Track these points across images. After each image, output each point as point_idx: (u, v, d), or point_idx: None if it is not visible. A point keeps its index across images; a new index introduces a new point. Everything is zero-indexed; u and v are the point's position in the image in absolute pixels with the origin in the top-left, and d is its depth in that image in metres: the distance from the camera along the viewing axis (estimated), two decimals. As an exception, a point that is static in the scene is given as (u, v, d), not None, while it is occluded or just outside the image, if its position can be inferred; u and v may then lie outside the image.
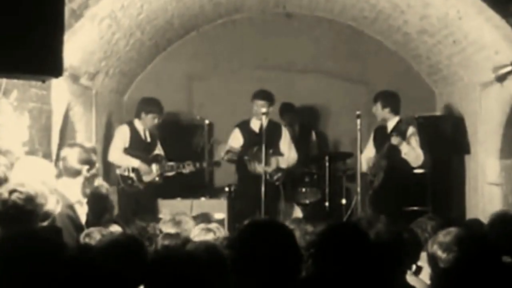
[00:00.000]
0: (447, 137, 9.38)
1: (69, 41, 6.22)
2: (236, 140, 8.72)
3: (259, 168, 8.42)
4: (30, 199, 4.35)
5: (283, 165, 8.61)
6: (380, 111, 8.29)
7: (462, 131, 9.23)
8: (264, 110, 8.46)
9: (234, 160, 8.79)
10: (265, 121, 8.22)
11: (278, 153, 8.53)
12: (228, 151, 8.63)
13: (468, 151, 9.17)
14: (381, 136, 8.34)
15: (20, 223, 4.24)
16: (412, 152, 8.02)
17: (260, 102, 8.54)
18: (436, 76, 10.09)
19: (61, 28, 4.42)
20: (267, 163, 8.40)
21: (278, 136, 8.62)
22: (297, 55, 10.47)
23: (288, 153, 8.69)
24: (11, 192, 4.36)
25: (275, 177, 8.49)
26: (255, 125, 8.67)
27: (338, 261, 3.50)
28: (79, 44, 7.44)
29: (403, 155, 8.02)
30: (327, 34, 10.52)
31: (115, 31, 8.17)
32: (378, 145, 8.30)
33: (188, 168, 8.54)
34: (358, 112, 8.00)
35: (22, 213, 4.30)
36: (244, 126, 8.73)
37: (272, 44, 10.42)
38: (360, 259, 3.53)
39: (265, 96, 8.59)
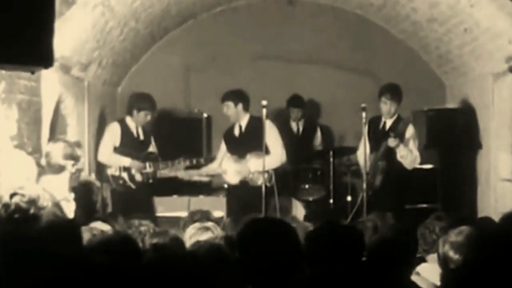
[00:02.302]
0: (458, 131, 9.37)
1: (60, 30, 6.19)
2: (219, 156, 8.56)
3: (233, 179, 8.35)
4: (32, 202, 4.35)
5: (262, 167, 7.96)
6: (392, 106, 8.16)
7: (473, 125, 9.23)
8: (231, 112, 8.31)
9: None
10: (264, 114, 8.01)
11: (257, 156, 8.07)
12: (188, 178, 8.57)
13: (479, 146, 9.16)
14: (376, 131, 8.28)
15: (24, 228, 4.22)
16: (409, 155, 8.00)
17: (228, 104, 8.28)
18: (446, 67, 10.08)
19: (51, 16, 4.41)
20: (237, 173, 8.27)
21: (261, 133, 7.97)
22: (300, 45, 10.46)
23: (275, 150, 8.20)
24: (12, 195, 4.35)
25: (259, 182, 8.10)
26: (236, 129, 8.44)
27: (325, 261, 3.52)
28: (71, 33, 7.42)
29: (398, 158, 8.00)
30: (331, 22, 10.50)
31: (109, 20, 8.15)
32: (373, 141, 8.24)
33: (183, 164, 8.51)
34: (363, 105, 7.95)
35: (27, 217, 4.29)
36: (227, 133, 8.53)
37: (274, 33, 10.40)
38: (351, 258, 3.55)
39: (228, 97, 8.32)
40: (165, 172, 8.52)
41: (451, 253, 4.07)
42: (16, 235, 3.42)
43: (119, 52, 9.31)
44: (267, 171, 8.08)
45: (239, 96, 8.33)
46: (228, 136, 8.51)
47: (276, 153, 8.23)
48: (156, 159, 8.53)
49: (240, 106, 8.29)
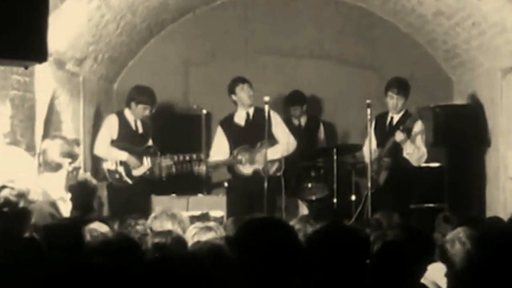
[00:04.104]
0: (465, 128, 9.37)
1: (54, 24, 6.20)
2: (219, 145, 8.53)
3: (246, 169, 8.40)
4: (22, 196, 4.35)
5: (276, 155, 8.36)
6: (399, 101, 8.18)
7: (481, 122, 9.22)
8: (251, 93, 8.35)
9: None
10: (267, 110, 8.10)
11: (269, 144, 8.20)
12: (208, 165, 8.46)
13: (488, 143, 9.16)
14: (383, 127, 8.30)
15: (14, 222, 4.23)
16: (416, 152, 8.03)
17: (246, 86, 8.40)
18: (454, 62, 10.07)
19: (45, 9, 4.41)
20: (253, 162, 8.34)
21: (268, 123, 8.25)
22: (302, 39, 10.45)
23: (283, 138, 8.48)
24: (1, 188, 4.35)
25: (271, 171, 8.28)
26: (240, 117, 8.51)
27: (329, 264, 3.53)
28: (65, 27, 7.42)
29: (405, 155, 8.02)
30: (334, 16, 10.49)
31: (105, 13, 8.15)
32: (379, 137, 8.27)
33: (182, 160, 8.49)
34: (368, 101, 7.98)
35: (16, 211, 4.30)
36: (227, 122, 8.55)
37: (275, 27, 10.39)
38: (356, 261, 3.56)
39: (245, 79, 8.45)
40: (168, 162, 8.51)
41: (455, 252, 4.08)
42: (13, 236, 3.44)
43: (115, 47, 9.31)
44: (279, 160, 8.37)
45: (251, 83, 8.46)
46: (230, 125, 8.51)
47: (286, 141, 8.50)
48: (155, 154, 8.52)
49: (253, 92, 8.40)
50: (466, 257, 4.11)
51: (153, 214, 5.52)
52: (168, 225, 5.23)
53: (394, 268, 3.90)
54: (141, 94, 8.47)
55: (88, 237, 4.53)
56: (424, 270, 4.23)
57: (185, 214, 6.88)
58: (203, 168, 8.52)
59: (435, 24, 9.48)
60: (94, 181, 6.06)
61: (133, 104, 8.44)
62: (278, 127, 8.49)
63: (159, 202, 8.54)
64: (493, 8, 7.88)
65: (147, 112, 8.46)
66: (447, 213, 6.19)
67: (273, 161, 8.30)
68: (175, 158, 8.49)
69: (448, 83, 10.43)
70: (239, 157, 8.40)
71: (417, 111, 8.27)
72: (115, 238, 4.08)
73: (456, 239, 4.15)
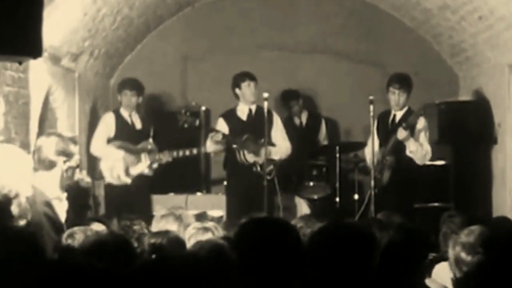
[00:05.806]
0: (471, 125, 9.37)
1: (49, 18, 6.19)
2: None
3: (249, 157, 8.35)
4: None
5: (276, 156, 8.38)
6: (401, 96, 8.18)
7: (488, 118, 9.21)
8: (255, 92, 8.32)
9: (222, 150, 8.68)
10: (266, 106, 8.09)
11: (270, 143, 8.24)
12: (217, 137, 8.26)
13: (494, 141, 9.16)
14: (385, 125, 8.30)
15: None
16: (420, 149, 8.01)
17: (253, 84, 8.39)
18: (459, 57, 10.07)
19: (40, 3, 4.40)
20: (257, 154, 8.33)
21: (269, 124, 8.31)
22: (304, 34, 10.45)
23: (281, 143, 8.51)
24: None
25: (267, 170, 8.19)
26: (242, 112, 8.50)
27: (332, 265, 3.52)
28: (61, 21, 7.41)
29: (408, 153, 8.01)
30: (337, 10, 10.49)
31: (101, 7, 8.15)
32: (382, 135, 8.27)
33: (181, 156, 8.47)
34: (371, 98, 7.97)
35: None
36: (229, 115, 8.53)
37: (276, 21, 10.39)
38: (360, 261, 3.55)
39: (253, 77, 8.42)
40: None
41: (463, 254, 4.07)
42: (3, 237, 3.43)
43: (112, 42, 9.31)
44: (276, 161, 8.35)
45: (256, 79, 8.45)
46: (232, 118, 8.50)
47: (283, 145, 8.51)
48: (153, 151, 8.51)
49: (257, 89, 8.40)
50: (467, 259, 4.10)
51: (159, 213, 5.52)
52: (173, 227, 5.24)
53: (392, 268, 3.90)
54: (123, 83, 8.65)
55: (83, 237, 4.53)
56: (424, 270, 4.22)
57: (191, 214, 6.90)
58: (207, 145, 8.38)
59: (440, 19, 9.47)
60: (87, 179, 6.06)
61: (119, 97, 8.55)
62: (278, 131, 8.53)
63: (157, 201, 8.56)
64: (500, 1, 7.87)
65: (133, 100, 8.50)
66: (452, 212, 6.18)
67: (270, 162, 8.25)
68: (174, 154, 8.47)
69: (454, 79, 10.43)
70: (247, 143, 8.35)
71: (422, 107, 8.26)
72: (107, 238, 4.07)
73: (457, 241, 4.14)
